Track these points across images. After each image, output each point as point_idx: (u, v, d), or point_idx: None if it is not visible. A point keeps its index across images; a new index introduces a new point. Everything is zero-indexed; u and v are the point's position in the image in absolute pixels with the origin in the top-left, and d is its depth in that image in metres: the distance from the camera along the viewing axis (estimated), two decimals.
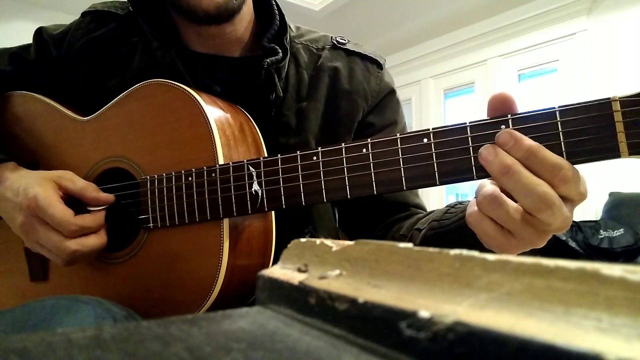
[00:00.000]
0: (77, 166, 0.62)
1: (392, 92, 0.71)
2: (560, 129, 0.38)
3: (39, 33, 0.70)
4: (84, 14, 0.69)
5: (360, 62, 0.69)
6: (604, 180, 2.38)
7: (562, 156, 0.38)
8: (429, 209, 0.68)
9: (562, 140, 0.38)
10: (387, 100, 0.70)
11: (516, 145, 0.37)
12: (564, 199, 0.37)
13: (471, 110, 3.28)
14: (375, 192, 0.45)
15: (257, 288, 0.22)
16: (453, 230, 0.51)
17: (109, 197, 0.58)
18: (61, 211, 0.53)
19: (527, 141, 0.37)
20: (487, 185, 0.40)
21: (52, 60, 0.69)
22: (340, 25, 3.17)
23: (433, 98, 3.52)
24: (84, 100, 0.66)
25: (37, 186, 0.54)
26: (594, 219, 2.19)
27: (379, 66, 0.70)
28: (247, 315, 0.19)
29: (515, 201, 0.38)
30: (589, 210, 2.48)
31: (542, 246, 0.40)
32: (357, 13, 3.03)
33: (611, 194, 2.29)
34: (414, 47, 3.54)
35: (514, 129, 0.39)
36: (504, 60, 3.05)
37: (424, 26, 3.21)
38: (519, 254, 0.42)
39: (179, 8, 0.58)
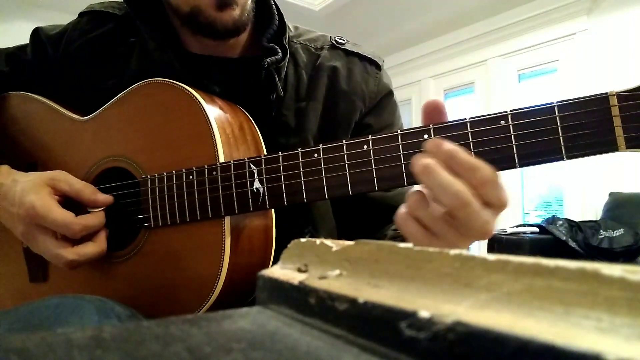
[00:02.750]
0: (76, 166, 0.62)
1: (390, 93, 0.71)
2: (559, 124, 0.39)
3: (36, 33, 0.70)
4: (81, 15, 0.69)
5: (359, 63, 0.69)
6: (604, 180, 2.38)
7: (561, 151, 0.39)
8: None
9: (560, 134, 0.39)
10: (385, 101, 0.69)
11: (438, 149, 0.39)
12: (485, 203, 0.38)
13: (471, 110, 3.28)
14: (376, 188, 0.45)
15: (257, 288, 0.22)
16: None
17: (108, 198, 0.58)
18: (61, 214, 0.53)
19: (447, 145, 0.38)
20: (416, 188, 0.41)
21: (49, 61, 0.69)
22: (340, 25, 3.17)
23: (433, 98, 3.51)
24: (82, 101, 0.66)
25: (33, 193, 0.53)
26: (594, 219, 2.19)
27: (378, 67, 0.69)
28: (247, 315, 0.19)
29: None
30: (589, 210, 2.48)
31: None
32: (357, 13, 3.03)
33: (611, 194, 2.29)
34: (414, 47, 3.54)
35: (513, 124, 0.40)
36: (504, 60, 3.05)
37: (424, 26, 3.21)
38: None
39: (196, 24, 0.57)
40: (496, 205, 0.38)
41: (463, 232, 0.38)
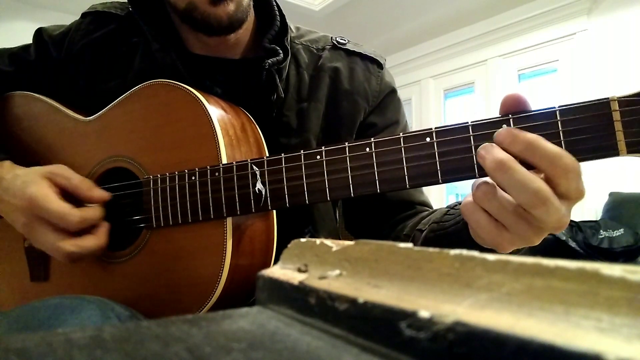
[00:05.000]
0: (79, 166, 0.62)
1: (393, 91, 0.71)
2: (560, 128, 0.39)
3: (39, 33, 0.70)
4: (83, 15, 0.69)
5: (360, 62, 0.69)
6: (604, 180, 2.38)
7: None
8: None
9: (562, 139, 0.39)
10: (388, 99, 0.70)
11: (515, 140, 0.37)
12: (562, 196, 0.36)
13: (471, 110, 3.27)
14: (378, 190, 0.45)
15: (257, 288, 0.22)
16: (452, 233, 0.51)
17: (104, 194, 0.57)
18: (60, 205, 0.53)
19: (527, 134, 0.37)
20: (484, 179, 0.40)
21: (52, 61, 0.69)
22: (340, 25, 3.17)
23: (433, 98, 3.52)
24: (85, 101, 0.66)
25: (33, 185, 0.53)
26: (594, 219, 2.19)
27: (380, 66, 0.70)
28: (247, 315, 0.19)
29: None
30: (589, 210, 2.48)
31: (537, 244, 0.40)
32: (357, 13, 3.03)
33: (611, 194, 2.28)
34: (414, 47, 3.54)
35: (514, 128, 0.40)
36: (504, 60, 3.05)
37: (424, 26, 3.21)
38: (513, 252, 0.42)
39: (192, 20, 0.58)
40: (573, 197, 0.36)
41: (536, 226, 0.37)
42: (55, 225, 0.53)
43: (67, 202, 0.54)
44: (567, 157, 0.36)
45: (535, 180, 0.35)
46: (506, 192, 0.37)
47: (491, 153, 0.37)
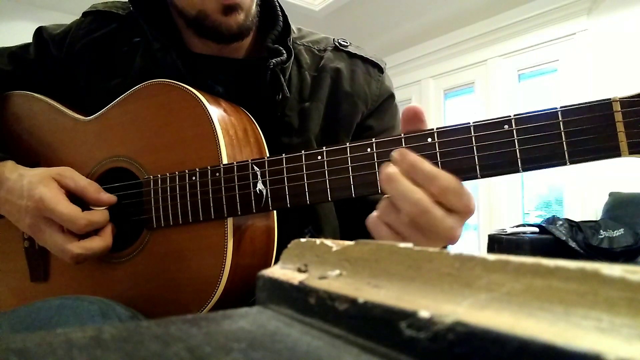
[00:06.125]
0: (79, 166, 0.62)
1: (392, 96, 0.71)
2: (562, 129, 0.39)
3: (39, 32, 0.70)
4: (84, 14, 0.69)
5: (362, 65, 0.69)
6: (604, 180, 2.38)
7: (564, 155, 0.39)
8: None
9: (564, 139, 0.39)
10: (386, 104, 0.70)
11: (403, 159, 0.40)
12: (450, 211, 0.39)
13: (471, 110, 3.28)
14: (379, 191, 0.45)
15: (257, 288, 0.22)
16: None
17: (111, 197, 0.58)
18: (68, 208, 0.53)
19: (412, 156, 0.40)
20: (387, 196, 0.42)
21: (52, 60, 0.69)
22: (340, 25, 3.17)
23: (433, 98, 3.52)
24: (85, 101, 0.66)
25: (42, 186, 0.54)
26: (594, 219, 2.19)
27: (380, 70, 0.70)
28: (247, 315, 0.19)
29: None
30: (589, 210, 2.48)
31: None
32: (357, 13, 3.03)
33: (611, 194, 2.28)
34: (414, 47, 3.54)
35: (516, 129, 0.40)
36: (504, 60, 3.05)
37: (424, 26, 3.21)
38: None
39: (201, 28, 0.58)
40: (461, 211, 0.39)
41: (429, 236, 0.40)
42: (62, 227, 0.54)
43: (74, 205, 0.54)
44: (444, 178, 0.38)
45: (417, 192, 0.38)
46: (396, 204, 0.40)
47: (384, 167, 0.40)
